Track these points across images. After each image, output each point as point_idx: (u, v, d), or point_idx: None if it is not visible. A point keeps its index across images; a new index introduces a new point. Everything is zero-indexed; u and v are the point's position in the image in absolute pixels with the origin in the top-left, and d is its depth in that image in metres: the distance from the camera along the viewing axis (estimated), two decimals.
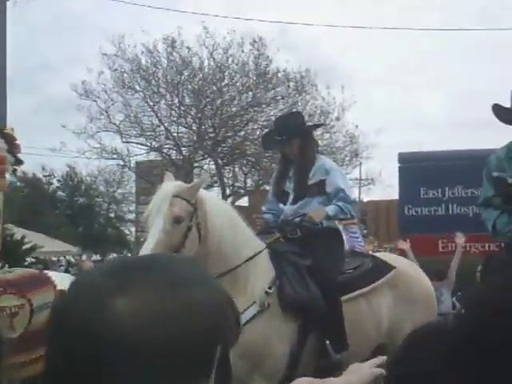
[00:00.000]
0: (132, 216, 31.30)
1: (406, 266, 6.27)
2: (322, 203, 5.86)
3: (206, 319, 1.10)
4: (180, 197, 5.00)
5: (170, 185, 5.13)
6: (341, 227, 16.52)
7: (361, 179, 29.74)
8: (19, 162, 5.40)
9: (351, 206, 5.89)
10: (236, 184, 28.51)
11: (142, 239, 28.82)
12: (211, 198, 5.42)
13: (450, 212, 12.39)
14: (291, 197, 5.95)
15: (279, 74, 25.19)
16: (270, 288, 5.19)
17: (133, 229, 30.69)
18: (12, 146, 5.34)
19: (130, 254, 27.41)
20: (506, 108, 4.74)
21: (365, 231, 15.29)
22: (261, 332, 5.03)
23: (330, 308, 5.37)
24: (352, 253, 6.58)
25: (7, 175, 5.30)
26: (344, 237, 16.65)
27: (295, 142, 5.98)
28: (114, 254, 21.72)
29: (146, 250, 4.72)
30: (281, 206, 6.03)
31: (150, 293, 1.07)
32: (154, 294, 1.07)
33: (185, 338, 1.06)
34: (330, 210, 5.75)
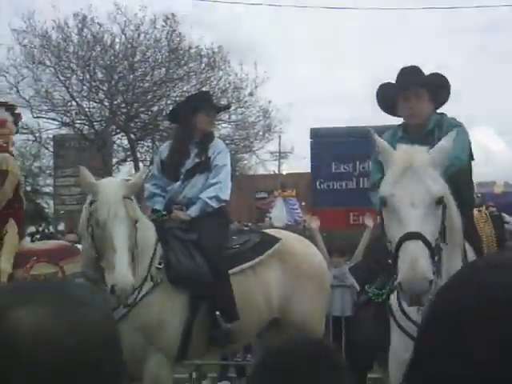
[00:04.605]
0: (49, 189, 30.87)
1: (295, 241, 6.36)
2: (204, 183, 6.03)
3: (97, 338, 1.16)
4: (129, 198, 5.16)
5: (116, 185, 5.22)
6: (281, 199, 16.79)
7: (280, 152, 29.99)
8: (17, 130, 5.69)
9: (222, 192, 6.01)
10: (148, 159, 28.49)
11: (62, 212, 28.47)
12: None
13: (361, 186, 12.56)
14: (183, 174, 6.08)
15: (191, 51, 25.29)
16: (160, 264, 5.42)
17: (51, 202, 30.25)
18: (15, 117, 5.56)
19: (49, 227, 27.06)
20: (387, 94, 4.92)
21: (303, 203, 15.54)
22: (155, 307, 5.26)
23: (218, 279, 5.59)
24: (239, 230, 6.76)
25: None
26: (284, 209, 16.84)
27: (204, 117, 6.14)
28: (33, 228, 21.40)
29: (123, 259, 4.83)
30: (167, 182, 6.16)
31: (45, 309, 1.15)
32: (49, 310, 1.15)
33: (75, 353, 1.12)
34: (194, 211, 5.92)
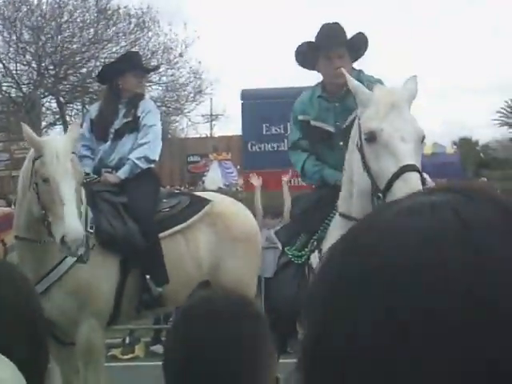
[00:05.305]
0: None
1: (225, 204, 6.39)
2: (133, 144, 6.03)
3: None
4: (74, 153, 5.13)
5: (61, 140, 5.17)
6: (216, 163, 16.79)
7: (212, 114, 29.86)
8: None
9: (151, 152, 6.04)
10: (78, 122, 28.02)
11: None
12: None
13: None
14: (111, 134, 6.08)
15: (120, 11, 24.93)
16: (91, 228, 5.35)
17: None
18: None
19: None
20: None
21: (238, 166, 15.58)
22: (87, 271, 5.20)
23: (148, 243, 5.60)
24: (169, 193, 6.67)
25: None
26: (219, 172, 16.83)
27: (131, 78, 6.13)
28: None
29: (72, 210, 4.75)
30: (97, 143, 6.14)
31: None
32: None
33: None
34: (123, 173, 5.91)
